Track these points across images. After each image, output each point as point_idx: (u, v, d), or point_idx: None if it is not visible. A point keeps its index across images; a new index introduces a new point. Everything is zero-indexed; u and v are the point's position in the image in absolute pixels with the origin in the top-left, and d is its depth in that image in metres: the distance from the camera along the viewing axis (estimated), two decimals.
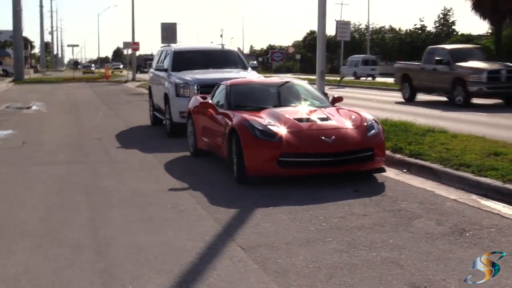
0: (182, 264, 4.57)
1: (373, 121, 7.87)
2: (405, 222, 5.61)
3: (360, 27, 71.54)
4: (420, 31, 63.95)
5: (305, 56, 76.42)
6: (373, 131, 7.67)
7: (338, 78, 38.65)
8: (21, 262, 4.75)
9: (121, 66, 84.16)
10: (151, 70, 15.02)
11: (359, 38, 69.39)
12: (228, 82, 9.15)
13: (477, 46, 24.38)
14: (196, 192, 7.08)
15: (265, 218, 5.90)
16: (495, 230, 5.24)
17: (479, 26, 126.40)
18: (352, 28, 58.46)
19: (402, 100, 21.10)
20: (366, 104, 17.73)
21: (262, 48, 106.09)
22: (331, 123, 7.69)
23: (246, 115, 7.70)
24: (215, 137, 8.42)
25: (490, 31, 48.89)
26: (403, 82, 21.02)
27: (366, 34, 63.70)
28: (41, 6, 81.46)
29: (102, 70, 71.50)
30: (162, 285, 4.16)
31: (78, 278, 4.36)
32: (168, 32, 34.33)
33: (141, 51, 74.18)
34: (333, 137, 7.24)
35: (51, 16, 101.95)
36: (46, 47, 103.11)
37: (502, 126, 13.11)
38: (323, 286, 4.08)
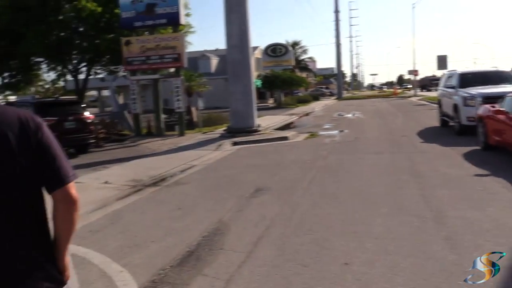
0: None
1: None
2: None
3: None
4: None
5: None
6: None
7: None
8: (382, 224, 5.54)
9: (409, 86, 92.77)
10: (440, 87, 17.83)
11: None
12: None
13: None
14: (498, 178, 7.45)
15: None
16: None
17: None
18: None
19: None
20: None
21: None
22: None
23: None
24: (508, 135, 9.26)
25: None
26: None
27: None
28: (351, 51, 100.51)
29: (391, 90, 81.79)
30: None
31: (429, 241, 4.85)
32: (441, 61, 44.37)
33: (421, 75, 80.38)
34: None
35: (352, 56, 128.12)
36: (354, 76, 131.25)
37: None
38: None
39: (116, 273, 4.53)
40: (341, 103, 46.70)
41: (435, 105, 19.39)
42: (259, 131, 16.28)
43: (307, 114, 30.39)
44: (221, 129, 19.16)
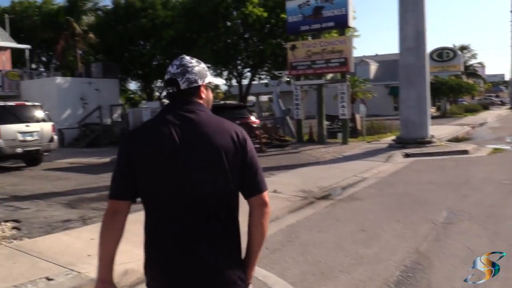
0: None
1: None
2: None
3: None
4: None
5: None
6: None
7: None
8: None
9: None
10: None
11: None
12: None
13: None
14: None
15: None
16: None
17: None
18: None
19: None
20: None
21: None
22: None
23: None
24: None
25: None
26: None
27: None
28: None
29: None
30: None
31: None
32: None
33: None
34: None
35: None
36: None
37: None
38: None
39: None
40: None
41: None
42: (433, 142, 14.66)
43: (480, 125, 27.34)
44: (387, 139, 17.88)
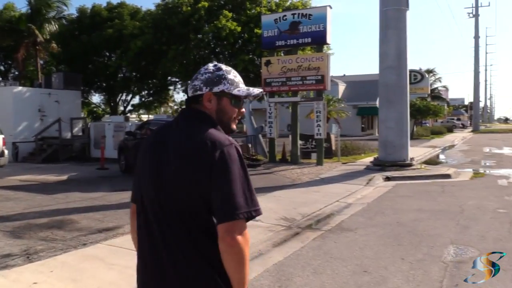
0: None
1: None
2: None
3: None
4: None
5: None
6: None
7: None
8: None
9: None
10: None
11: None
12: None
13: None
14: None
15: None
16: None
17: None
18: None
19: None
20: None
21: None
22: None
23: None
24: None
25: None
26: None
27: None
28: (485, 81, 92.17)
29: None
30: None
31: None
32: None
33: None
34: None
35: (486, 87, 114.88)
36: (485, 108, 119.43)
37: None
38: None
39: None
40: (480, 136, 42.31)
41: None
42: (413, 165, 14.00)
43: (450, 148, 27.19)
44: (363, 160, 17.20)
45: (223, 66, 1.87)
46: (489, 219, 7.70)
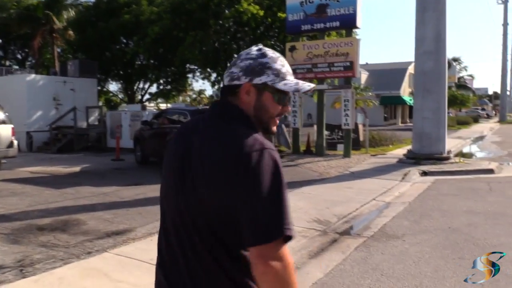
0: None
1: None
2: None
3: None
4: None
5: None
6: None
7: None
8: None
9: None
10: None
11: None
12: None
13: None
14: None
15: None
16: None
17: None
18: None
19: None
20: None
21: None
22: None
23: None
24: None
25: None
26: None
27: None
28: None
29: None
30: None
31: None
32: None
33: None
34: None
35: None
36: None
37: None
38: None
39: None
40: (509, 127, 40.62)
41: None
42: (450, 158, 12.86)
43: (480, 139, 25.84)
44: (392, 152, 16.13)
45: (270, 52, 1.56)
46: None
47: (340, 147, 15.85)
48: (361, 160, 14.10)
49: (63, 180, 10.87)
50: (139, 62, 25.51)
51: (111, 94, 33.07)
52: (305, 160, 14.22)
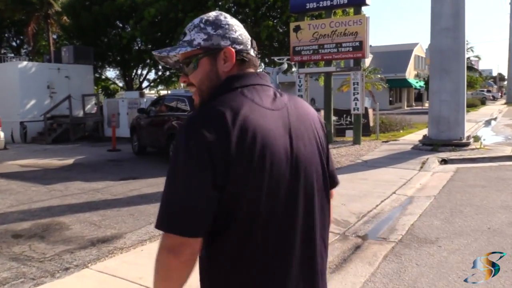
0: None
1: None
2: None
3: None
4: None
5: None
6: None
7: None
8: None
9: None
10: None
11: None
12: None
13: None
14: None
15: None
16: None
17: None
18: None
19: None
20: None
21: None
22: None
23: None
24: None
25: None
26: None
27: None
28: None
29: None
30: None
31: None
32: None
33: None
34: None
35: None
36: None
37: None
38: None
39: None
40: None
41: None
42: (470, 144, 11.92)
43: (491, 122, 24.84)
44: (405, 138, 15.20)
45: None
46: None
47: (349, 133, 14.92)
48: (373, 147, 13.17)
49: (54, 175, 9.99)
50: (137, 47, 24.44)
51: (110, 82, 32.06)
52: None
